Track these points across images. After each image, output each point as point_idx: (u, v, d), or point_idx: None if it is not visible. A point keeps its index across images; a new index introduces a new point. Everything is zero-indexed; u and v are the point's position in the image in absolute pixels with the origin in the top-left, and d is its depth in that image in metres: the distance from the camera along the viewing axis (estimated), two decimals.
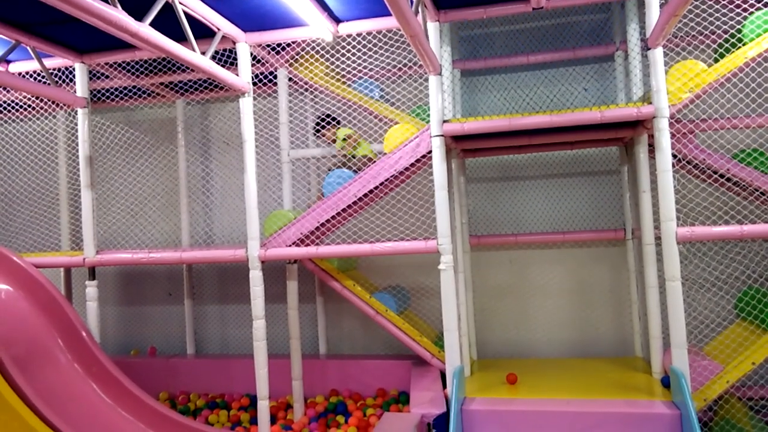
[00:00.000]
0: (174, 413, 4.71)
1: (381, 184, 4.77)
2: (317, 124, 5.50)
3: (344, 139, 5.23)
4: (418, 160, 4.72)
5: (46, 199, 6.78)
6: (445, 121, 4.52)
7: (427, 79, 4.56)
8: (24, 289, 4.76)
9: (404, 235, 4.93)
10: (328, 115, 5.46)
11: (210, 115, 6.83)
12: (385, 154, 4.79)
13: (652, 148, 4.62)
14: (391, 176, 4.75)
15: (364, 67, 5.33)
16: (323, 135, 5.47)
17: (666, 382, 4.37)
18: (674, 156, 4.34)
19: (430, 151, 4.56)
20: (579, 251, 5.88)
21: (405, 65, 5.86)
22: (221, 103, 6.77)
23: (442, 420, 4.21)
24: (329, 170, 5.32)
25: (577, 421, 4.06)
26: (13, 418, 3.69)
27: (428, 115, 4.61)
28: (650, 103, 4.23)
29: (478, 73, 5.94)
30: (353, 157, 5.19)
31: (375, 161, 4.88)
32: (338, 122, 5.47)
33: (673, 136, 4.36)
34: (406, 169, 4.77)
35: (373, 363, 5.87)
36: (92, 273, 5.32)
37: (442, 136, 4.50)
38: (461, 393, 4.35)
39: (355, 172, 5.03)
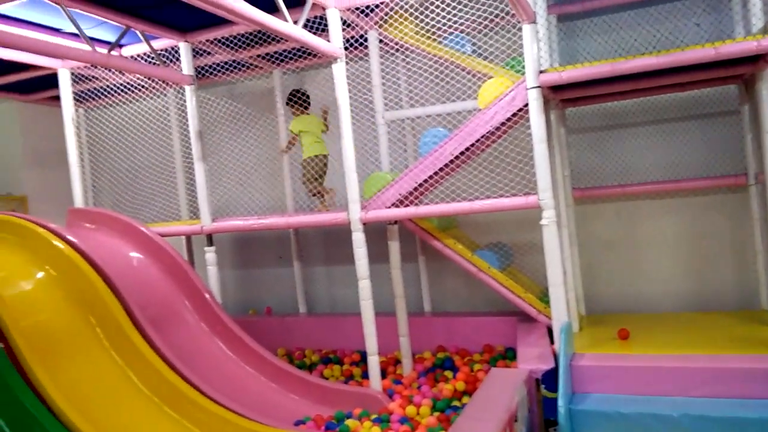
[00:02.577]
0: (292, 368, 5.04)
1: (477, 141, 4.70)
2: (291, 95, 5.92)
3: (291, 132, 5.85)
4: (514, 114, 4.58)
5: (164, 173, 7.28)
6: (541, 72, 4.35)
7: (520, 29, 4.39)
8: (152, 256, 5.20)
9: (504, 192, 4.85)
10: (299, 91, 5.87)
11: (305, 83, 6.97)
12: (480, 110, 4.70)
13: None
14: (488, 132, 4.66)
15: (454, 22, 5.20)
16: (291, 108, 5.91)
17: None
18: None
19: (527, 104, 4.42)
20: (694, 200, 5.52)
21: (497, 16, 5.64)
22: (315, 70, 6.89)
23: (551, 375, 4.19)
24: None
25: (695, 377, 3.87)
26: (152, 372, 4.09)
27: (523, 67, 4.45)
28: None
29: (576, 17, 5.62)
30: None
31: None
32: (306, 99, 5.84)
33: None
34: (503, 124, 4.66)
35: (478, 320, 5.90)
36: (210, 240, 5.71)
37: (538, 87, 4.34)
38: (570, 348, 4.29)
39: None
